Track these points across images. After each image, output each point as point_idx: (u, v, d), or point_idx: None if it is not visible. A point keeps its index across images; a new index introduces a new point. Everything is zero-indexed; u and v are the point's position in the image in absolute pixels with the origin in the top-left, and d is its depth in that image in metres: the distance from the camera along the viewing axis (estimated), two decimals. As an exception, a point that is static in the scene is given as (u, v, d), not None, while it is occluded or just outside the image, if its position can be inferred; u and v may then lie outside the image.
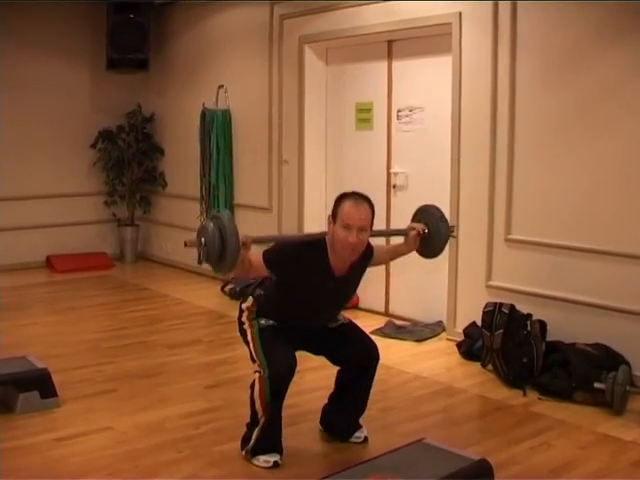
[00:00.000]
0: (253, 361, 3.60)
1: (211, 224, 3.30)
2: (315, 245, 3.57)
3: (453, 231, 3.99)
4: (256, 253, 3.53)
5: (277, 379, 3.49)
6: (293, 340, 3.65)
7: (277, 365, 3.50)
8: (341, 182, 6.60)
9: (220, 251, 3.27)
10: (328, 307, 3.73)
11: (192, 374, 5.02)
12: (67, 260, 8.53)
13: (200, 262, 3.35)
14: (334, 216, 3.50)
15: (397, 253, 4.00)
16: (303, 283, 3.56)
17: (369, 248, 3.69)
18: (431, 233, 3.88)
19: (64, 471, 3.52)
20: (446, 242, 3.97)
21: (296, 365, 3.55)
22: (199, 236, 3.32)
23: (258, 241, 3.54)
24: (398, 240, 3.98)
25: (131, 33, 8.27)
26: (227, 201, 7.73)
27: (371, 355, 3.80)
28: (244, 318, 3.71)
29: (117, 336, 5.91)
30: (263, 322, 3.62)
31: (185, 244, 3.37)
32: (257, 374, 3.54)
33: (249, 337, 3.64)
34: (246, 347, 3.67)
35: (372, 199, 3.50)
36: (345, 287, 3.70)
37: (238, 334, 3.76)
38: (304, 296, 3.60)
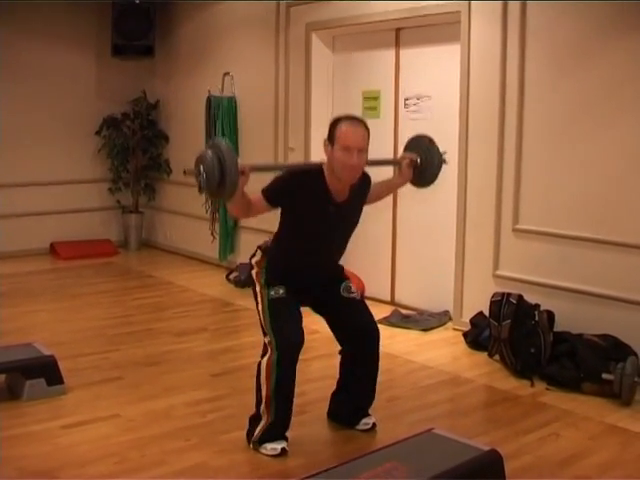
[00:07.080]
0: (264, 333, 3.57)
1: (209, 152, 3.24)
2: (312, 172, 3.57)
3: (444, 158, 3.97)
4: (255, 193, 3.53)
5: (285, 356, 3.48)
6: (303, 300, 3.65)
7: (284, 342, 3.48)
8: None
9: (220, 178, 3.22)
10: (333, 239, 3.66)
11: (198, 362, 5.01)
12: (71, 247, 8.52)
13: (201, 191, 3.31)
14: (331, 139, 3.48)
15: (392, 185, 4.07)
16: (304, 212, 3.53)
17: (367, 176, 3.72)
18: (423, 162, 3.91)
19: (71, 458, 3.51)
20: (439, 170, 3.97)
21: (303, 342, 3.54)
22: (198, 165, 3.26)
23: (256, 169, 3.51)
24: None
25: (136, 19, 8.24)
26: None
27: (369, 329, 3.77)
28: (254, 275, 3.68)
29: (122, 323, 5.91)
30: (273, 293, 3.57)
31: (184, 172, 3.32)
32: (265, 354, 3.52)
33: (259, 307, 3.61)
34: (257, 313, 3.65)
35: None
36: (346, 213, 3.63)
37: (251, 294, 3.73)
38: (308, 227, 3.56)
